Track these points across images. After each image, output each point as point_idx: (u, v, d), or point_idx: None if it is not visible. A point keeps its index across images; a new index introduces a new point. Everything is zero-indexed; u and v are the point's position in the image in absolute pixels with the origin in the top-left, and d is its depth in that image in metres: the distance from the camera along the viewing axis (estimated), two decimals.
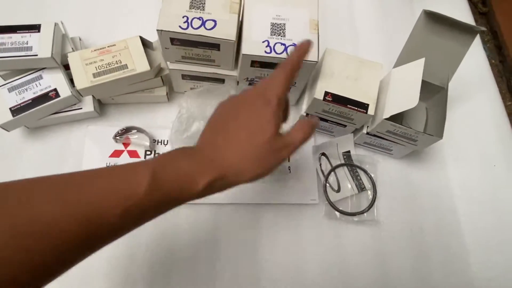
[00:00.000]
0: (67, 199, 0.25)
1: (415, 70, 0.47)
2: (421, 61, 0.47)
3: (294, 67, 0.35)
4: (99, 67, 0.48)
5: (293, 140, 0.34)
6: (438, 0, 0.70)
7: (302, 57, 0.35)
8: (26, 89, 0.49)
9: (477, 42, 0.65)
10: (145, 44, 0.50)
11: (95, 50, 0.49)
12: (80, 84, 0.47)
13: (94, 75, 0.48)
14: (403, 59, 0.53)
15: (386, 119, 0.47)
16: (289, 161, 0.55)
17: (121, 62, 0.49)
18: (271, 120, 0.32)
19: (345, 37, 0.66)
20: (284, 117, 0.39)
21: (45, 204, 0.24)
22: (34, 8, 0.61)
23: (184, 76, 0.52)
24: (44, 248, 0.24)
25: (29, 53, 0.47)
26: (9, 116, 0.48)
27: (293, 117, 0.58)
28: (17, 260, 0.23)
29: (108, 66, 0.48)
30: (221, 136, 0.33)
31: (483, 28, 0.51)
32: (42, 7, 0.61)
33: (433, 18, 0.50)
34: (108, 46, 0.49)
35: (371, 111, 0.48)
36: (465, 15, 0.70)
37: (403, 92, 0.48)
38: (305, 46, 0.35)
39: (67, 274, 0.26)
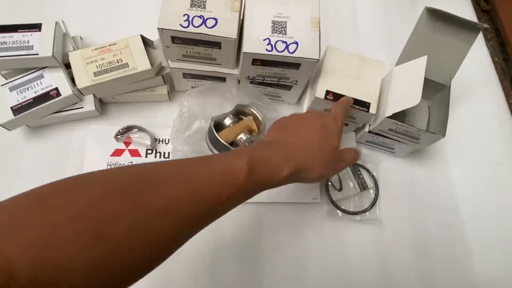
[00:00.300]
0: (186, 185, 0.29)
1: (418, 68, 0.47)
2: (424, 59, 0.47)
3: (348, 105, 0.46)
4: (100, 66, 0.48)
5: (347, 156, 0.42)
6: (442, 1, 0.70)
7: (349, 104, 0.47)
8: (27, 88, 0.49)
9: (480, 39, 0.65)
10: (146, 42, 0.50)
11: (96, 49, 0.49)
12: (81, 83, 0.47)
13: (95, 74, 0.48)
14: (405, 56, 0.53)
15: (388, 117, 0.47)
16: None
17: (122, 61, 0.49)
18: (338, 135, 0.40)
19: (347, 34, 0.66)
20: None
21: (171, 190, 0.28)
22: (34, 7, 0.61)
23: (185, 75, 0.52)
24: (172, 224, 0.27)
25: (30, 52, 0.47)
26: (10, 115, 0.48)
27: None
28: (144, 233, 0.25)
29: (109, 65, 0.48)
30: (293, 136, 0.39)
31: (486, 25, 0.50)
32: (42, 6, 0.61)
33: (435, 15, 0.50)
34: (109, 45, 0.49)
35: (372, 109, 0.48)
36: (467, 13, 0.70)
37: (405, 90, 0.47)
38: (358, 155, 0.43)
39: None
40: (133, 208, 0.25)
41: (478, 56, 0.65)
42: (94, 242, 0.22)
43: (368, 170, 0.55)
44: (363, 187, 0.54)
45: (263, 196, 0.51)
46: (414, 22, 0.53)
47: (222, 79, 0.52)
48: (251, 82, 0.52)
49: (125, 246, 0.24)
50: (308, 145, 0.38)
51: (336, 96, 0.48)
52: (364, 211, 0.53)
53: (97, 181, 0.26)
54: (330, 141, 0.39)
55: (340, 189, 0.54)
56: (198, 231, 0.30)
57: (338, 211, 0.53)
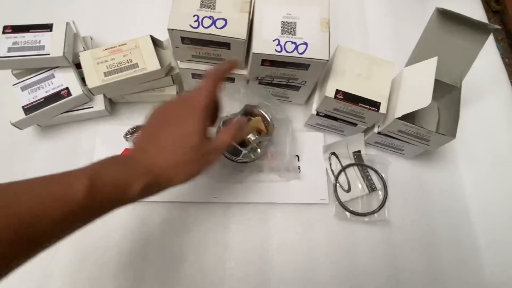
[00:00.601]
0: (5, 211, 0.26)
1: (428, 69, 0.47)
2: (434, 60, 0.47)
3: (220, 79, 0.38)
4: (110, 66, 0.48)
5: (220, 142, 0.38)
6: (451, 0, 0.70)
7: (228, 72, 0.40)
8: (39, 88, 0.50)
9: (490, 40, 0.64)
10: (156, 43, 0.51)
11: (106, 49, 0.49)
12: (91, 82, 0.48)
13: (105, 74, 0.48)
14: (415, 57, 0.53)
15: (398, 118, 0.47)
16: (299, 160, 0.54)
17: (131, 61, 0.49)
18: (196, 129, 0.35)
19: (355, 35, 0.66)
20: (212, 122, 0.41)
21: None
22: (45, 7, 0.62)
23: (194, 75, 0.52)
24: None
25: (41, 52, 0.48)
26: (21, 115, 0.48)
27: (302, 118, 0.58)
28: None
29: (119, 65, 0.48)
30: (152, 145, 0.36)
31: (497, 26, 0.50)
32: (53, 7, 0.62)
33: (446, 16, 0.50)
34: (119, 45, 0.49)
35: (383, 109, 0.48)
36: (478, 13, 0.69)
37: (415, 91, 0.47)
38: (234, 65, 0.40)
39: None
40: None
41: (489, 57, 0.65)
42: None
43: (376, 171, 0.55)
44: (371, 188, 0.54)
45: (270, 196, 0.52)
46: (423, 22, 0.52)
47: (231, 79, 0.52)
48: (259, 83, 0.52)
49: None
50: (165, 153, 0.35)
51: (346, 96, 0.48)
52: (373, 212, 0.53)
53: None
54: (189, 140, 0.35)
55: (349, 190, 0.54)
56: (30, 256, 0.28)
57: (346, 212, 0.52)
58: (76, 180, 0.30)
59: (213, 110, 0.40)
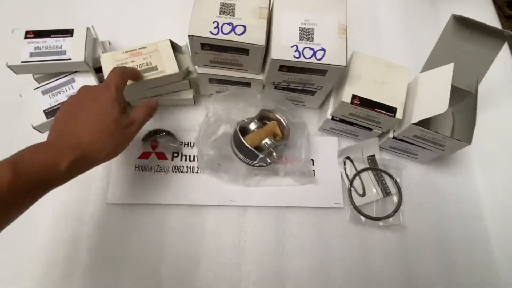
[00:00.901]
0: None
1: (444, 75, 0.47)
2: (450, 66, 0.47)
3: (126, 74, 0.44)
4: None
5: (137, 117, 0.41)
6: (464, 4, 0.70)
7: (131, 78, 0.46)
8: (59, 92, 0.50)
9: (504, 47, 0.64)
10: (175, 47, 0.51)
11: (126, 52, 0.50)
12: None
13: None
14: (431, 63, 0.53)
15: (414, 124, 0.47)
16: (313, 164, 0.55)
17: (151, 63, 0.50)
18: (114, 103, 0.38)
19: (368, 41, 0.66)
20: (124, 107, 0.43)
21: None
22: (62, 13, 0.63)
23: (211, 80, 0.53)
24: None
25: (63, 57, 0.49)
26: (43, 118, 0.49)
27: (317, 121, 0.58)
28: None
29: (138, 67, 0.49)
30: (71, 126, 0.37)
31: None
32: (71, 12, 0.63)
33: (462, 22, 0.50)
34: (139, 49, 0.50)
35: (399, 115, 0.48)
36: (491, 19, 0.69)
37: (431, 97, 0.48)
38: (151, 109, 0.44)
39: None
40: None
41: (502, 63, 0.65)
42: None
43: (391, 176, 0.55)
44: (386, 192, 0.54)
45: (285, 200, 0.52)
46: (435, 28, 0.53)
47: (247, 84, 0.53)
48: (275, 88, 0.53)
49: None
50: (85, 128, 0.37)
51: (363, 101, 0.48)
52: (388, 216, 0.53)
53: None
54: (107, 113, 0.38)
55: (363, 195, 0.54)
56: None
57: (361, 216, 0.53)
58: (0, 167, 0.31)
59: (122, 95, 0.42)
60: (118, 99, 0.39)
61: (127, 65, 0.49)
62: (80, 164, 0.35)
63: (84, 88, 0.41)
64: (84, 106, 0.38)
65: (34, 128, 0.49)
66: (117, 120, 0.38)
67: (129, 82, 0.48)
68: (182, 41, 0.52)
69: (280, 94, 0.54)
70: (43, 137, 0.51)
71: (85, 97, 0.39)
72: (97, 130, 0.37)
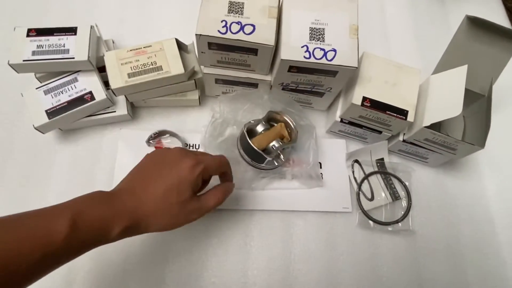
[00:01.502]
0: None
1: (458, 78, 0.46)
2: (464, 68, 0.46)
3: (222, 166, 0.41)
4: (134, 67, 0.48)
5: (205, 205, 0.38)
6: (473, 5, 0.69)
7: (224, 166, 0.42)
8: (62, 92, 0.49)
9: None
10: (180, 46, 0.50)
11: (131, 50, 0.49)
12: (114, 83, 0.47)
13: (129, 75, 0.47)
14: (444, 65, 0.52)
15: (426, 127, 0.46)
16: (321, 167, 0.54)
17: (156, 63, 0.48)
18: (190, 186, 0.36)
19: (377, 42, 0.65)
20: (202, 185, 0.42)
21: None
22: (65, 11, 0.61)
23: (217, 81, 0.51)
24: None
25: (66, 55, 0.48)
26: (45, 119, 0.48)
27: (325, 123, 0.57)
28: None
29: (143, 67, 0.48)
30: (141, 187, 0.36)
31: None
32: (73, 11, 0.61)
33: (476, 23, 0.49)
34: (144, 47, 0.49)
35: (410, 117, 0.47)
36: (500, 20, 0.68)
37: (444, 100, 0.46)
38: (224, 195, 0.41)
39: None
40: None
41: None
42: None
43: (400, 180, 0.54)
44: (395, 197, 0.53)
45: (293, 204, 0.51)
46: (445, 29, 0.52)
47: (254, 85, 0.52)
48: (283, 89, 0.52)
49: None
50: (151, 198, 0.35)
51: (373, 103, 0.47)
52: (397, 221, 0.52)
53: None
54: (178, 194, 0.35)
55: (372, 199, 0.53)
56: None
57: (369, 221, 0.52)
58: (58, 220, 0.30)
59: (208, 179, 0.42)
60: (197, 183, 0.37)
61: (132, 65, 0.48)
62: (130, 232, 0.34)
63: (175, 152, 0.38)
64: (161, 171, 0.36)
65: (36, 128, 0.48)
66: (184, 203, 0.36)
67: (133, 82, 0.47)
68: (188, 40, 0.51)
69: (287, 95, 0.53)
70: (44, 138, 0.51)
71: (168, 162, 0.37)
72: (160, 208, 0.35)
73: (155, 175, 0.36)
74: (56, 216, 0.30)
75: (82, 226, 0.30)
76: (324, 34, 0.45)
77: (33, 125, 0.47)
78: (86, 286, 0.45)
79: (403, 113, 0.47)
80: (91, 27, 0.50)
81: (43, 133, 0.49)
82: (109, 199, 0.34)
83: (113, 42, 0.56)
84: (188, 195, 0.36)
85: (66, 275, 0.45)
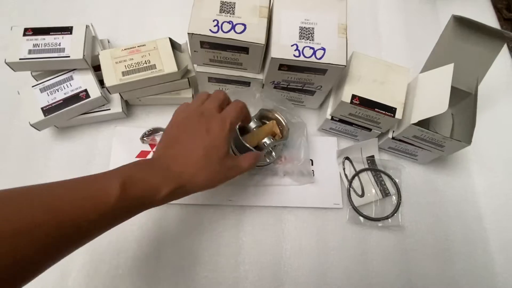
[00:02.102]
0: (49, 207, 0.29)
1: (444, 76, 0.47)
2: (450, 66, 0.47)
3: (242, 109, 0.42)
4: (129, 66, 0.49)
5: (241, 164, 0.41)
6: (463, 6, 0.70)
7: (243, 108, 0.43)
8: (57, 90, 0.50)
9: (504, 48, 0.64)
10: (174, 45, 0.51)
11: (125, 49, 0.50)
12: (109, 81, 0.48)
13: (123, 74, 0.49)
14: (431, 63, 0.53)
15: (413, 124, 0.47)
16: (312, 164, 0.55)
17: (149, 62, 0.49)
18: (226, 142, 0.38)
19: (369, 41, 0.66)
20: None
21: (32, 211, 0.28)
22: (62, 11, 0.62)
23: (210, 79, 0.52)
24: (29, 246, 0.27)
25: (61, 54, 0.49)
26: (40, 116, 0.49)
27: (317, 121, 0.58)
28: (5, 255, 0.26)
29: (137, 65, 0.49)
30: (177, 149, 0.38)
31: None
32: (70, 10, 0.63)
33: (462, 23, 0.50)
34: (138, 46, 0.50)
35: (398, 115, 0.48)
36: (490, 21, 0.70)
37: (431, 97, 0.47)
38: (255, 160, 0.44)
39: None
40: None
41: (502, 65, 0.65)
42: None
43: (390, 177, 0.55)
44: (385, 193, 0.54)
45: (284, 200, 0.52)
46: (435, 29, 0.53)
47: (246, 83, 0.53)
48: (275, 87, 0.53)
49: None
50: (191, 159, 0.37)
51: (362, 101, 0.48)
52: (386, 217, 0.53)
53: None
54: (217, 151, 0.37)
55: (362, 195, 0.54)
56: (65, 253, 0.30)
57: (360, 217, 0.53)
58: (111, 183, 0.32)
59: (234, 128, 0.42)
60: (230, 139, 0.39)
61: (126, 63, 0.49)
62: (178, 192, 0.36)
63: (196, 109, 0.40)
64: (193, 132, 0.38)
65: (32, 125, 0.49)
66: (223, 159, 0.38)
67: (127, 80, 0.48)
68: (183, 40, 0.52)
69: (279, 93, 0.54)
70: (40, 135, 0.52)
71: (196, 122, 0.39)
72: (202, 166, 0.37)
73: (189, 136, 0.38)
74: (108, 180, 0.32)
75: (131, 188, 0.32)
76: (313, 33, 0.46)
77: (29, 122, 0.48)
78: (80, 280, 0.46)
79: (391, 110, 0.48)
80: (87, 26, 0.51)
81: (39, 130, 0.50)
82: (151, 163, 0.37)
83: (108, 42, 0.57)
84: (225, 151, 0.38)
85: (61, 269, 0.46)
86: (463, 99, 0.54)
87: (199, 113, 0.40)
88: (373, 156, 0.56)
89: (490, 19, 0.70)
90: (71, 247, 0.30)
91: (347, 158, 0.55)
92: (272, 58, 0.45)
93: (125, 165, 0.35)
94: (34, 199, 0.29)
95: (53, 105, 0.49)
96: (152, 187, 0.34)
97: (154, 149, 0.42)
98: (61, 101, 0.50)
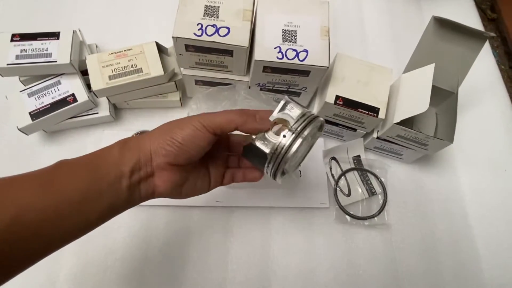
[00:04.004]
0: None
1: (425, 75, 0.48)
2: (431, 66, 0.48)
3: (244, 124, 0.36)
4: (115, 70, 0.50)
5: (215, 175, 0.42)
6: (447, 7, 0.71)
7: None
8: (45, 94, 0.51)
9: (486, 47, 0.66)
10: (161, 49, 0.52)
11: (112, 54, 0.50)
12: (96, 85, 0.49)
13: (110, 77, 0.49)
14: (413, 64, 0.54)
15: (396, 123, 0.48)
16: (299, 165, 0.55)
17: (136, 65, 0.50)
18: (190, 123, 0.34)
19: (354, 42, 0.67)
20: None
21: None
22: (50, 16, 0.63)
23: (197, 82, 0.53)
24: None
25: (48, 59, 0.49)
26: (28, 120, 0.49)
27: None
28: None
29: (123, 69, 0.50)
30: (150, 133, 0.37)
31: (493, 34, 0.51)
32: (58, 15, 0.63)
33: (442, 24, 0.51)
34: (124, 50, 0.51)
35: (381, 114, 0.49)
36: (474, 21, 0.71)
37: (413, 97, 0.48)
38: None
39: None
40: None
41: (485, 64, 0.66)
42: None
43: (376, 176, 0.56)
44: (371, 192, 0.55)
45: (271, 200, 0.53)
46: (420, 30, 0.54)
47: (232, 86, 0.53)
48: (261, 89, 0.53)
49: None
50: (157, 133, 0.36)
51: (346, 101, 0.49)
52: (373, 216, 0.53)
53: None
54: (181, 128, 0.34)
55: (349, 194, 0.55)
56: (72, 238, 0.31)
57: (346, 216, 0.53)
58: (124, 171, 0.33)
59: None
60: (197, 124, 0.35)
61: (112, 67, 0.50)
62: (143, 168, 0.35)
63: (189, 116, 0.37)
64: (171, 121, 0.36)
65: (20, 130, 0.49)
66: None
67: (113, 84, 0.49)
68: (170, 43, 0.53)
69: (264, 94, 0.55)
70: (29, 139, 0.52)
71: (180, 121, 0.36)
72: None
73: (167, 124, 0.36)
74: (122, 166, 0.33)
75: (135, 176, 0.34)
76: (296, 35, 0.47)
77: (17, 127, 0.49)
78: (68, 283, 0.46)
79: (374, 110, 0.49)
80: (74, 31, 0.52)
81: (27, 134, 0.51)
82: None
83: (96, 46, 0.58)
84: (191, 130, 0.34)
85: (48, 272, 0.47)
86: (446, 99, 0.55)
87: (185, 118, 0.38)
88: (359, 156, 0.57)
89: (474, 19, 0.71)
90: (77, 234, 0.32)
91: (333, 158, 0.56)
92: (255, 60, 0.45)
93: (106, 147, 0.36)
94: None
95: (41, 109, 0.50)
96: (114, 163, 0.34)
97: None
98: (49, 106, 0.50)
